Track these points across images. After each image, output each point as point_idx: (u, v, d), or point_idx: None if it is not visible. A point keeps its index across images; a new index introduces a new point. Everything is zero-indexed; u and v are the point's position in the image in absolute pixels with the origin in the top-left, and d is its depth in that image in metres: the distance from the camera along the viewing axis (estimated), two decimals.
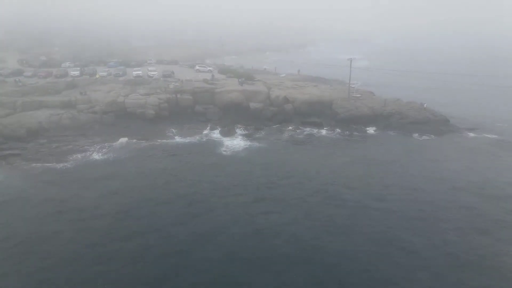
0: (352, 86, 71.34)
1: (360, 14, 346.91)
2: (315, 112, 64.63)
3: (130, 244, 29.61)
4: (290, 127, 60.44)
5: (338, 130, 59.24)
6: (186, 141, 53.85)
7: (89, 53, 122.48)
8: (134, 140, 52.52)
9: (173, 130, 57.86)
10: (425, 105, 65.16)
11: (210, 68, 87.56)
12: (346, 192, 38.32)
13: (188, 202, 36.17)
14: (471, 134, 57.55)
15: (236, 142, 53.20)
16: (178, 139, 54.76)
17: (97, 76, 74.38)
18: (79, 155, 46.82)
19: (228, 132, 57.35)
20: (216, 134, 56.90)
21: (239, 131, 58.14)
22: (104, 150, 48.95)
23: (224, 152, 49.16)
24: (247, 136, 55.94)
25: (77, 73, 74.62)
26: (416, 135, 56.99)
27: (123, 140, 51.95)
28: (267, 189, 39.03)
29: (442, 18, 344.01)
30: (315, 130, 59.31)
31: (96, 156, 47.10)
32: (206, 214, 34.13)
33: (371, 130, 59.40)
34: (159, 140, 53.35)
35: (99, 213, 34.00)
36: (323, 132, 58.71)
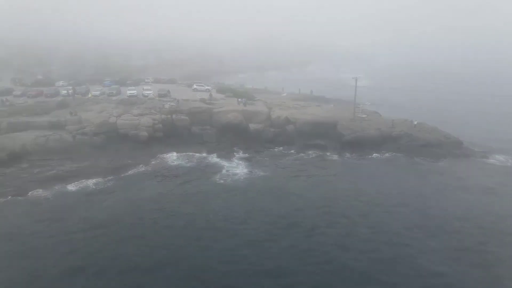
0: (358, 106, 67.85)
1: (346, 27, 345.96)
2: (319, 134, 60.80)
3: None
4: (292, 150, 56.55)
5: (344, 153, 55.26)
6: (181, 165, 49.90)
7: (87, 72, 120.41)
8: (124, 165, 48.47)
9: (167, 153, 54.01)
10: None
11: (208, 87, 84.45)
12: (357, 235, 33.46)
13: (181, 240, 31.77)
14: (489, 159, 53.13)
15: (235, 167, 49.14)
16: (172, 163, 50.87)
17: (89, 95, 71.15)
18: (61, 182, 42.63)
19: (226, 155, 53.48)
20: (213, 158, 52.98)
21: (238, 154, 54.21)
22: (89, 176, 44.80)
23: (222, 180, 44.78)
24: (246, 160, 51.94)
25: (69, 92, 71.40)
26: (428, 159, 52.79)
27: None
28: (269, 226, 34.43)
29: (430, 29, 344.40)
30: (319, 154, 55.36)
31: (80, 183, 42.90)
32: (201, 257, 29.78)
33: (379, 153, 55.37)
34: (151, 164, 49.44)
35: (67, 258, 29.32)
36: (328, 155, 54.73)
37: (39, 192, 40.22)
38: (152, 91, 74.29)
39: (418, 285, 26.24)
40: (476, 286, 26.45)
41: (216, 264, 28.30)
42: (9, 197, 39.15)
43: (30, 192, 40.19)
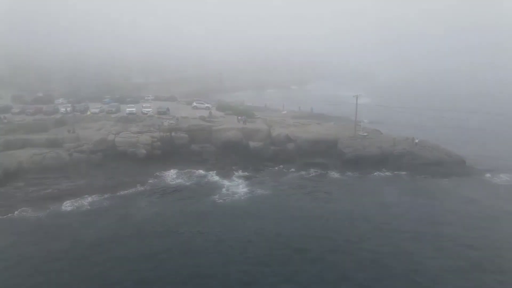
0: (358, 123, 67.30)
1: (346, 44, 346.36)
2: (319, 152, 60.01)
3: None
4: (292, 169, 55.61)
5: (344, 172, 54.31)
6: (180, 184, 48.94)
7: (87, 90, 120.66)
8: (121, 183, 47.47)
9: (166, 171, 53.12)
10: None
11: (208, 105, 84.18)
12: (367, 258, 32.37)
13: (179, 272, 30.43)
14: (494, 178, 51.96)
15: (234, 186, 48.12)
16: (170, 181, 49.92)
17: (88, 113, 70.70)
18: (55, 202, 41.55)
19: (226, 173, 52.55)
20: (213, 176, 52.03)
21: (237, 173, 53.26)
22: (85, 194, 43.75)
23: (221, 199, 43.64)
24: (246, 179, 50.96)
25: (68, 109, 71.04)
26: (432, 178, 51.79)
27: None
28: (274, 250, 33.20)
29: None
30: (320, 172, 54.44)
31: (75, 203, 41.81)
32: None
33: (381, 172, 54.44)
34: (149, 183, 48.47)
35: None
36: (329, 174, 53.78)
37: (29, 212, 39.09)
38: (151, 109, 73.93)
39: None
40: None
41: None
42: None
43: (21, 212, 39.08)
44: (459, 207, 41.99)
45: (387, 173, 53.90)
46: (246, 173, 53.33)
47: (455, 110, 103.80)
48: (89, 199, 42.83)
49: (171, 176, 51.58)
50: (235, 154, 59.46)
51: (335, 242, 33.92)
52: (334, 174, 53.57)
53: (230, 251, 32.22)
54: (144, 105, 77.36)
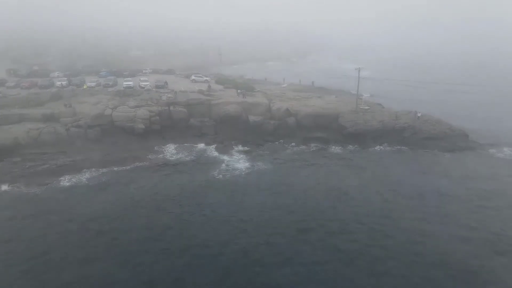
0: (360, 97, 66.01)
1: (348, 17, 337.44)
2: (320, 126, 59.15)
3: None
4: (293, 143, 54.90)
5: (346, 146, 53.64)
6: (179, 159, 48.34)
7: (84, 63, 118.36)
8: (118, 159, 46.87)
9: (164, 146, 52.53)
10: (419, 114, 59.92)
11: (207, 78, 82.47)
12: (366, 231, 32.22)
13: (179, 244, 30.23)
14: (497, 152, 51.18)
15: (233, 161, 47.54)
16: (169, 157, 49.30)
17: (84, 86, 69.16)
18: (53, 177, 41.09)
19: (225, 148, 51.89)
20: (212, 151, 51.39)
21: (237, 148, 52.58)
22: (83, 170, 43.24)
23: (220, 174, 43.15)
24: (246, 154, 50.34)
25: (63, 83, 69.51)
26: (434, 152, 51.18)
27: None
28: (270, 227, 32.98)
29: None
30: (320, 147, 53.75)
31: (73, 178, 41.33)
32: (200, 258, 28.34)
33: (382, 146, 53.75)
34: (148, 158, 47.86)
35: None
36: (330, 149, 53.10)
37: (26, 187, 38.65)
38: (149, 82, 72.34)
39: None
40: None
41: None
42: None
43: (18, 187, 38.67)
44: (461, 182, 41.49)
45: (389, 148, 53.23)
46: (246, 148, 52.65)
47: (459, 83, 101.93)
48: (87, 174, 42.38)
49: (170, 151, 50.97)
50: (235, 128, 58.56)
51: (336, 218, 33.55)
52: (335, 149, 52.92)
53: (230, 228, 31.89)
54: (141, 79, 75.70)
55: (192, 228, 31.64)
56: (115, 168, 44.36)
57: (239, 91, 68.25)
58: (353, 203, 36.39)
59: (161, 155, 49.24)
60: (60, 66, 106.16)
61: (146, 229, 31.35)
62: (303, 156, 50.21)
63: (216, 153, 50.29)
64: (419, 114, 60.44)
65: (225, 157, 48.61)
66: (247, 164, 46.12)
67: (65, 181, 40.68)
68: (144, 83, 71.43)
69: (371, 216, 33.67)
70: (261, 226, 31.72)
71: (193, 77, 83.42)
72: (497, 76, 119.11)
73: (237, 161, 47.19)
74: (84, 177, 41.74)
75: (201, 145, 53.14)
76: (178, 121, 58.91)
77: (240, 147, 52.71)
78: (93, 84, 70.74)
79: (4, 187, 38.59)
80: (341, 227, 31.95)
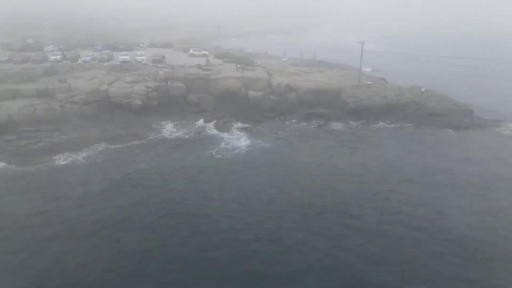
0: (363, 72, 64.22)
1: None
2: (322, 102, 57.77)
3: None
4: (293, 120, 53.67)
5: (348, 123, 52.47)
6: (177, 137, 47.23)
7: (79, 36, 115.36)
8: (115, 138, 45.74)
9: (162, 123, 51.35)
10: (423, 89, 58.45)
11: (206, 52, 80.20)
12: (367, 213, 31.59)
13: (173, 222, 29.55)
14: (503, 130, 49.93)
15: (233, 139, 46.40)
16: (167, 134, 48.18)
17: (79, 61, 67.12)
18: (48, 155, 40.09)
19: (224, 125, 50.69)
20: (211, 128, 50.23)
21: (236, 124, 51.38)
22: (79, 148, 42.18)
23: (219, 153, 42.03)
24: (246, 131, 49.20)
25: (57, 57, 67.47)
26: (438, 129, 50.00)
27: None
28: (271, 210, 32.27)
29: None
30: (322, 123, 52.56)
31: (69, 157, 40.35)
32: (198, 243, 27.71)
33: (385, 123, 52.55)
34: (145, 135, 46.74)
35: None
36: (332, 125, 51.93)
37: (21, 166, 37.74)
38: (145, 57, 70.26)
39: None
40: None
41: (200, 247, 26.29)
42: None
43: (12, 166, 37.78)
44: (465, 160, 40.60)
45: (392, 124, 52.06)
46: (245, 124, 51.46)
47: (464, 58, 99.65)
48: (83, 153, 41.33)
49: (168, 128, 49.83)
50: (234, 104, 57.17)
51: (339, 196, 32.84)
52: (337, 125, 51.79)
53: (230, 211, 31.20)
54: (138, 53, 73.48)
55: (191, 208, 30.88)
56: (112, 146, 43.32)
57: (238, 65, 66.35)
58: (354, 182, 35.53)
59: (159, 133, 48.05)
60: (55, 39, 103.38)
61: (143, 206, 30.78)
62: (304, 133, 49.11)
63: (215, 131, 49.13)
64: (423, 89, 58.97)
65: (225, 135, 47.50)
66: (247, 142, 45.04)
67: (61, 160, 39.69)
68: (140, 58, 69.37)
69: (371, 197, 32.90)
70: (259, 210, 30.91)
71: (191, 51, 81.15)
72: (502, 48, 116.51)
73: (237, 140, 46.06)
74: (80, 156, 40.71)
75: (200, 122, 51.92)
76: (176, 97, 57.42)
77: (240, 124, 51.51)
78: (88, 58, 68.70)
79: None
80: (344, 207, 31.22)
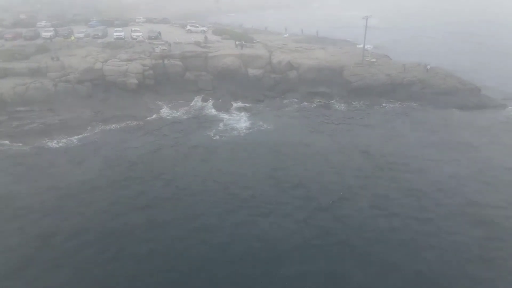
0: (366, 49, 61.94)
1: None
2: (324, 80, 55.82)
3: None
4: (294, 99, 52.02)
5: (351, 102, 50.82)
6: (175, 117, 45.78)
7: (74, 11, 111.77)
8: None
9: (159, 103, 49.77)
10: (428, 67, 56.56)
11: (204, 28, 77.50)
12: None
13: (172, 207, 28.52)
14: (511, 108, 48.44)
15: (232, 120, 44.93)
16: (164, 114, 46.78)
17: (72, 38, 64.68)
18: (41, 137, 38.79)
19: (222, 105, 49.14)
20: (209, 108, 48.71)
21: (236, 104, 49.78)
22: (73, 130, 40.79)
23: (217, 134, 40.65)
24: (245, 110, 47.69)
25: (50, 34, 65.03)
26: (444, 109, 48.31)
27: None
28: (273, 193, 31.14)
29: None
30: (324, 102, 50.95)
31: (63, 139, 39.01)
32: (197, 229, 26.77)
33: (389, 102, 50.90)
34: (141, 116, 45.24)
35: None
36: (334, 105, 50.36)
37: (14, 148, 36.52)
38: (141, 33, 67.72)
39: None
40: None
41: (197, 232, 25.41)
42: None
43: (4, 147, 36.53)
44: (472, 141, 39.28)
45: (397, 104, 50.38)
46: (245, 104, 49.87)
47: (472, 34, 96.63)
48: (78, 135, 39.99)
49: (165, 108, 48.29)
50: (233, 83, 55.36)
51: (343, 180, 31.74)
52: (339, 105, 50.21)
53: (228, 196, 30.15)
54: (133, 29, 70.84)
55: (187, 194, 29.84)
56: (107, 127, 42.01)
57: (237, 42, 64.02)
58: (356, 165, 34.39)
59: (155, 114, 46.52)
60: (49, 14, 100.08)
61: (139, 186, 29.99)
62: (306, 113, 47.55)
63: (214, 111, 47.61)
64: (428, 67, 56.99)
65: (224, 115, 46.01)
66: (246, 124, 43.60)
67: (54, 142, 38.44)
68: (136, 34, 66.88)
69: (373, 183, 31.82)
70: (258, 197, 29.87)
71: (188, 27, 78.40)
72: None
73: (236, 120, 44.60)
74: (74, 137, 39.44)
75: (198, 102, 50.36)
76: (173, 75, 55.49)
77: (239, 104, 49.93)
78: (81, 35, 66.26)
79: None
80: (343, 192, 30.17)
